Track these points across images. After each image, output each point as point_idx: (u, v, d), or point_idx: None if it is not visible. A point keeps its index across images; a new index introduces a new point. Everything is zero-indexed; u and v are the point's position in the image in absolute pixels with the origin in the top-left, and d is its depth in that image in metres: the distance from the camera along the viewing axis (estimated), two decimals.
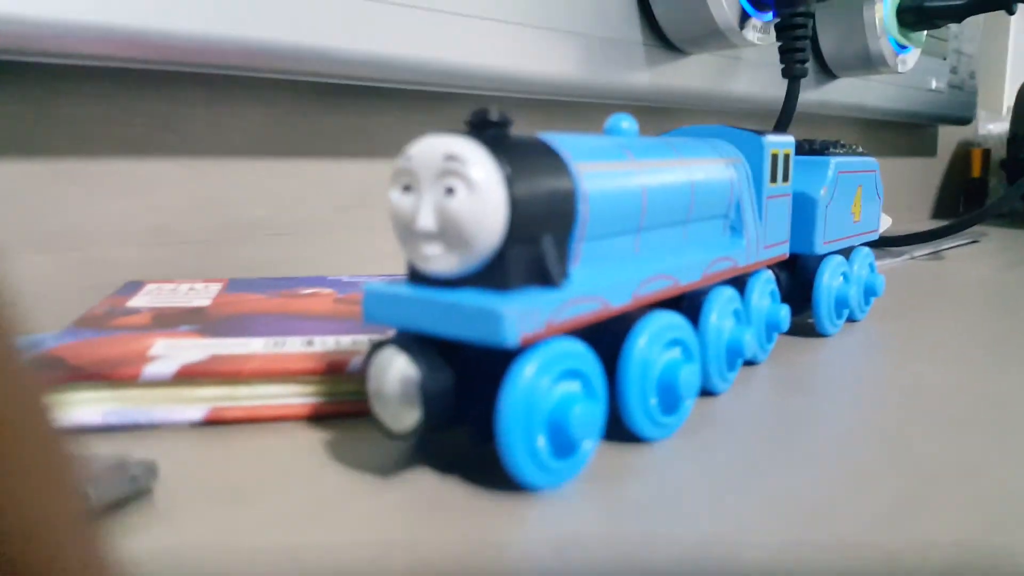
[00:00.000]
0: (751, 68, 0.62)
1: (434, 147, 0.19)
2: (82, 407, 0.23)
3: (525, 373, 0.18)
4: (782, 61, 0.51)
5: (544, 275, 0.20)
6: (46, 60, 0.32)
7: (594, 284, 0.21)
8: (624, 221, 0.23)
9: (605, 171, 0.22)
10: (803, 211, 0.36)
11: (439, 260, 0.19)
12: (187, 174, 0.40)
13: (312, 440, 0.23)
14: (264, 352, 0.25)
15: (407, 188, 0.19)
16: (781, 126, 0.53)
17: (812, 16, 0.49)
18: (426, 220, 0.19)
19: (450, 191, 0.18)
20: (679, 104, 0.62)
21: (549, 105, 0.56)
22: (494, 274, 0.19)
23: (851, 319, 0.40)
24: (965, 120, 1.02)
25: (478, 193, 0.18)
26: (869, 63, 0.68)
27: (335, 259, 0.46)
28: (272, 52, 0.36)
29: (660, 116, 0.64)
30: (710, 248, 0.27)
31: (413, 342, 0.19)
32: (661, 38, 0.53)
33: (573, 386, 0.20)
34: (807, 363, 0.32)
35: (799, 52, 0.50)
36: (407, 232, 0.19)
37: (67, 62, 0.33)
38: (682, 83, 0.56)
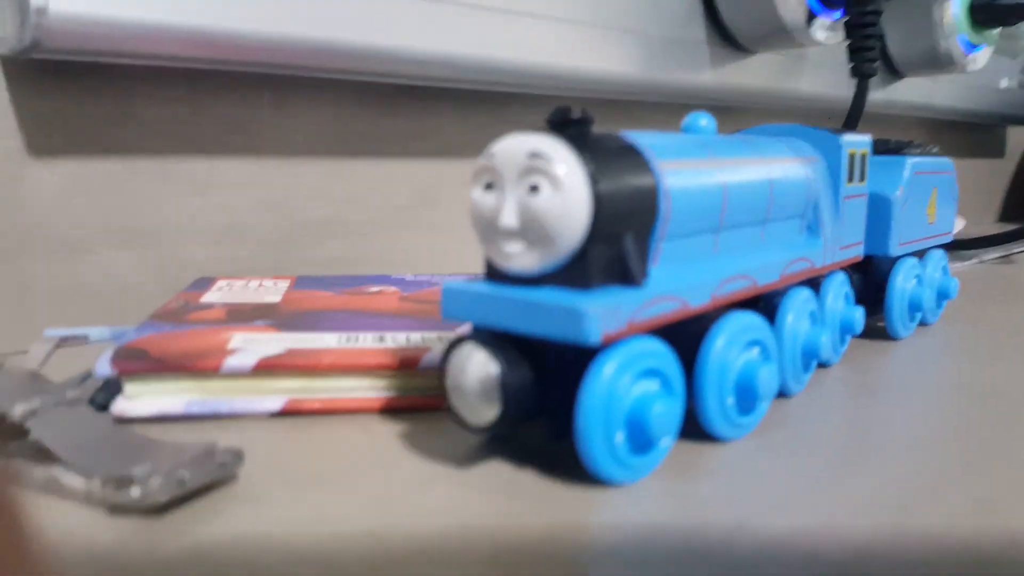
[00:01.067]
0: (814, 67, 0.61)
1: (518, 145, 0.19)
2: (166, 397, 0.24)
3: (606, 371, 0.18)
4: (851, 60, 0.50)
5: (625, 274, 0.20)
6: (123, 61, 0.33)
7: (674, 284, 0.20)
8: (704, 220, 0.22)
9: (686, 169, 0.22)
10: (878, 212, 0.35)
11: (520, 258, 0.19)
12: (254, 174, 0.41)
13: (387, 431, 0.23)
14: (338, 347, 0.26)
15: (489, 186, 0.19)
16: (850, 125, 0.52)
17: (881, 14, 0.48)
18: (509, 218, 0.19)
19: (534, 189, 0.18)
20: (742, 103, 0.61)
21: (612, 104, 0.56)
22: (575, 272, 0.19)
23: (923, 322, 0.39)
24: None
25: (562, 191, 0.18)
26: (938, 62, 0.66)
27: (397, 257, 0.46)
28: (336, 51, 0.37)
29: (723, 115, 0.64)
30: (787, 248, 0.27)
31: (492, 338, 0.20)
32: (726, 37, 0.53)
33: (652, 384, 0.20)
34: (880, 366, 0.31)
35: (869, 51, 0.49)
36: (488, 230, 0.20)
37: (143, 62, 0.34)
38: (746, 82, 0.55)
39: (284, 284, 0.37)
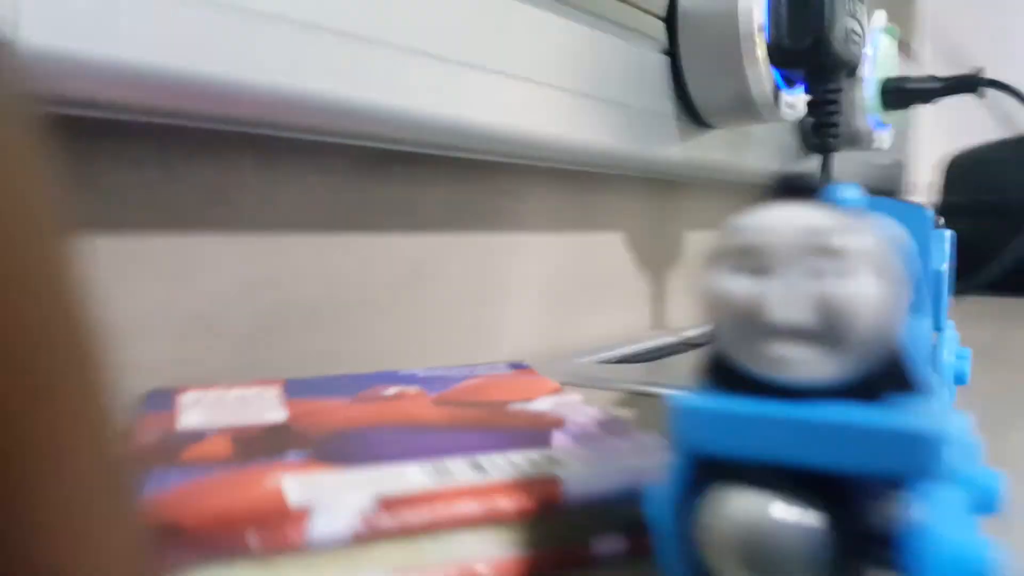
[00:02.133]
0: (757, 142, 0.61)
1: (793, 219, 0.14)
2: None
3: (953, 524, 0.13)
4: (816, 136, 0.50)
5: (900, 378, 0.15)
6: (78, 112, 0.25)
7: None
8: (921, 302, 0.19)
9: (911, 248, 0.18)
10: (931, 285, 0.33)
11: (807, 365, 0.14)
12: (231, 251, 0.33)
13: None
14: (435, 485, 0.19)
15: (751, 271, 0.15)
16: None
17: (841, 91, 0.49)
18: (792, 311, 0.14)
19: (825, 274, 0.14)
20: (696, 177, 0.60)
21: (583, 177, 0.52)
22: (873, 382, 0.14)
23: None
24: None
25: (866, 275, 0.14)
26: (853, 140, 0.69)
27: (390, 346, 0.39)
28: (333, 108, 0.31)
29: (675, 189, 0.62)
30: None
31: (772, 477, 0.14)
32: (689, 111, 0.51)
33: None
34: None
35: (832, 127, 0.49)
36: (749, 327, 0.15)
37: (101, 115, 0.26)
38: (706, 156, 0.54)
39: (274, 392, 0.29)
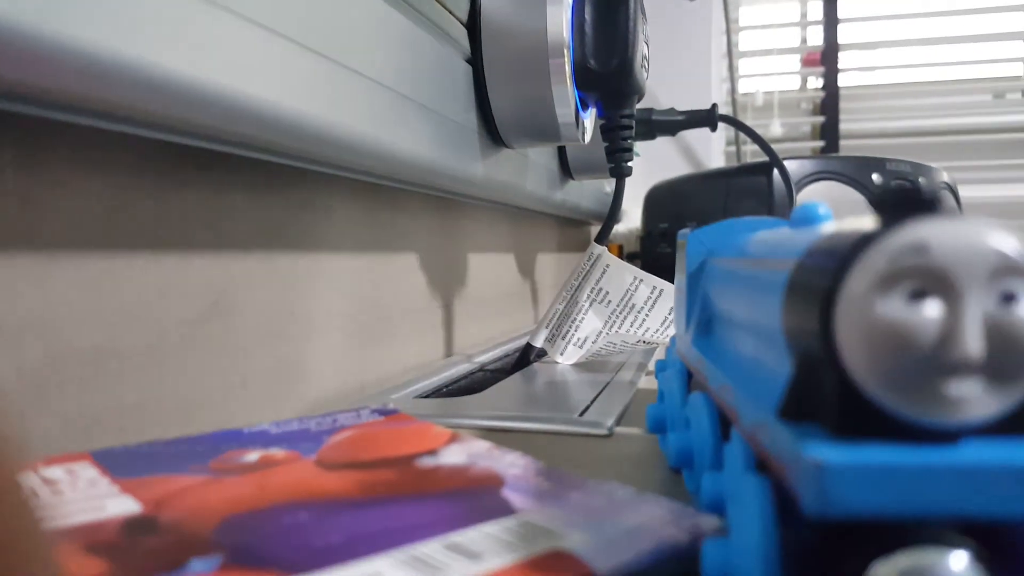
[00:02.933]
0: (533, 167, 0.62)
1: (976, 236, 0.13)
2: None
3: None
4: (610, 161, 0.52)
5: None
6: None
7: None
8: None
9: None
10: None
11: (975, 403, 0.13)
12: None
13: None
14: None
15: (918, 295, 0.13)
16: (610, 220, 0.54)
17: (633, 116, 0.51)
18: (975, 342, 0.12)
19: (1009, 298, 0.13)
20: (480, 199, 0.59)
21: (376, 191, 0.48)
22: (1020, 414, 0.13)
23: None
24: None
25: None
26: (601, 167, 0.74)
27: (188, 396, 0.31)
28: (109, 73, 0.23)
29: (456, 211, 0.60)
30: None
31: (954, 537, 0.13)
32: (488, 126, 0.50)
33: None
34: None
35: (626, 152, 0.51)
36: (919, 362, 0.13)
37: None
38: (499, 176, 0.53)
39: (89, 471, 0.21)
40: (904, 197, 0.13)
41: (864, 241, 0.13)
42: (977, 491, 0.12)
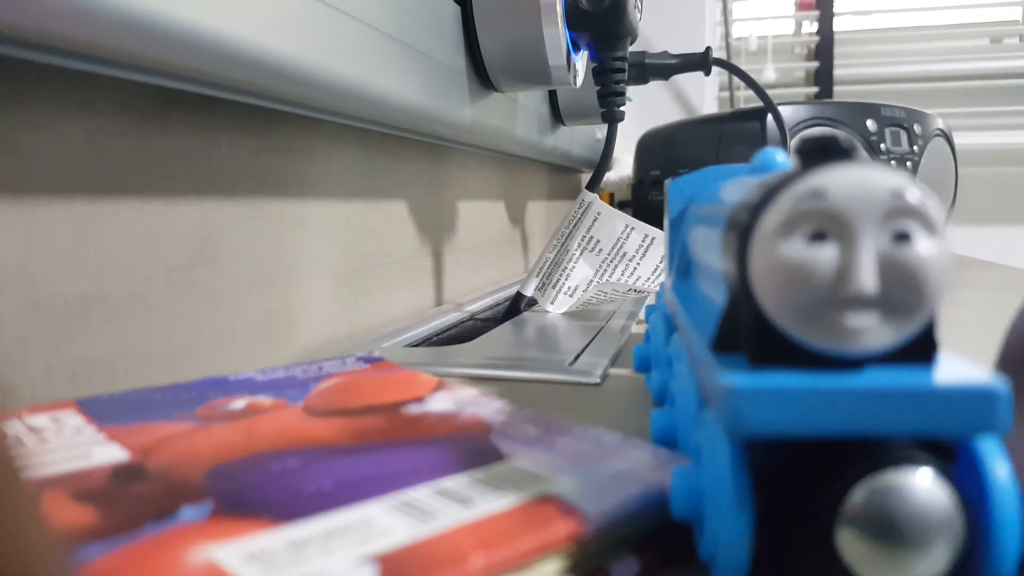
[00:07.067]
0: (523, 111, 0.61)
1: (872, 180, 0.13)
2: None
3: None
4: (602, 105, 0.51)
5: (932, 339, 0.15)
6: None
7: None
8: None
9: None
10: None
11: (871, 334, 0.13)
12: None
13: None
14: (427, 532, 0.15)
15: (817, 236, 0.13)
16: (601, 165, 0.53)
17: (626, 60, 0.50)
18: (868, 279, 0.13)
19: (902, 238, 0.13)
20: (468, 144, 0.58)
21: (365, 136, 0.47)
22: (923, 344, 0.14)
23: None
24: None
25: (939, 239, 0.13)
26: (593, 113, 0.73)
27: (176, 346, 0.31)
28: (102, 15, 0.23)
29: (445, 156, 0.59)
30: None
31: (897, 451, 0.13)
32: (477, 69, 0.49)
33: None
34: None
35: (618, 96, 0.50)
36: (821, 297, 0.13)
37: None
38: (488, 121, 0.52)
39: (75, 419, 0.21)
40: (817, 146, 0.14)
41: (774, 188, 0.14)
42: (874, 411, 0.13)
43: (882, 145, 0.91)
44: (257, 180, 0.37)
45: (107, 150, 0.28)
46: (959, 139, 1.06)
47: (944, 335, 0.43)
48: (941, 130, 1.00)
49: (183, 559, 0.13)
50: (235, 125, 0.35)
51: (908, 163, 0.93)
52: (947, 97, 1.53)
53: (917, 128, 0.95)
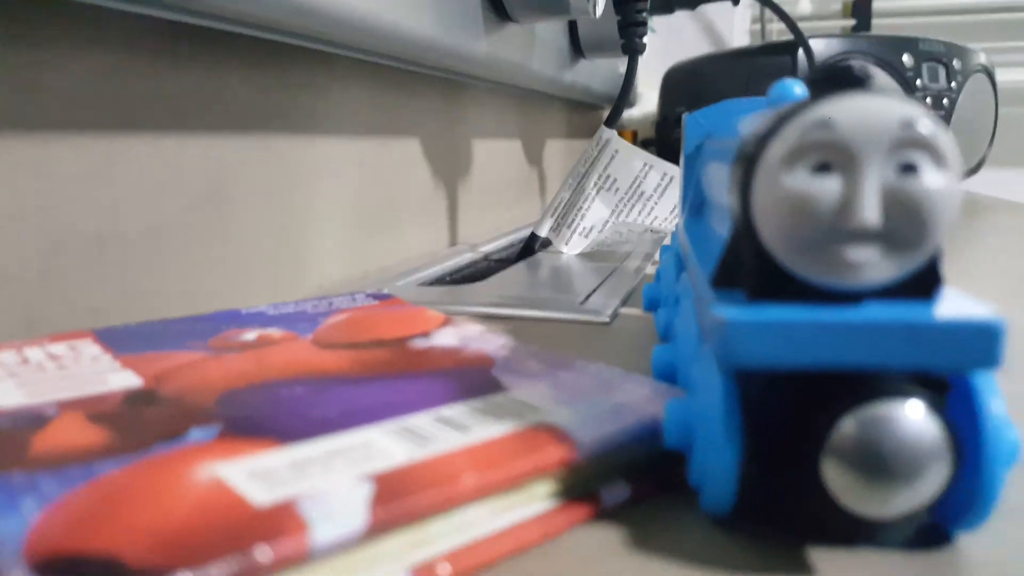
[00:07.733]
0: (541, 45, 0.60)
1: (880, 110, 0.13)
2: None
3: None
4: (622, 36, 0.50)
5: (936, 275, 0.15)
6: None
7: None
8: None
9: None
10: None
11: (872, 268, 0.13)
12: None
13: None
14: (424, 454, 0.15)
15: (822, 168, 0.13)
16: (622, 99, 0.52)
17: None
18: (871, 211, 0.13)
19: (909, 169, 0.13)
20: (484, 79, 0.57)
21: (376, 71, 0.46)
22: (925, 279, 0.14)
23: None
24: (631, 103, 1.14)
25: (948, 172, 0.13)
26: (615, 46, 0.71)
27: (191, 283, 0.32)
28: None
29: (458, 92, 0.59)
30: None
31: (892, 384, 0.13)
32: (493, 0, 0.48)
33: None
34: None
35: (640, 26, 0.49)
36: (824, 230, 0.13)
37: None
38: (505, 55, 0.51)
39: (92, 348, 0.22)
40: (830, 75, 0.14)
41: (782, 118, 0.13)
42: (871, 344, 0.13)
43: (918, 81, 0.88)
44: (269, 117, 0.37)
45: (119, 88, 0.28)
46: (1002, 76, 1.02)
47: (977, 281, 0.42)
48: (983, 66, 0.96)
49: (190, 475, 0.14)
50: (246, 60, 0.35)
51: (944, 100, 0.90)
52: (991, 30, 1.47)
53: (957, 63, 0.92)
